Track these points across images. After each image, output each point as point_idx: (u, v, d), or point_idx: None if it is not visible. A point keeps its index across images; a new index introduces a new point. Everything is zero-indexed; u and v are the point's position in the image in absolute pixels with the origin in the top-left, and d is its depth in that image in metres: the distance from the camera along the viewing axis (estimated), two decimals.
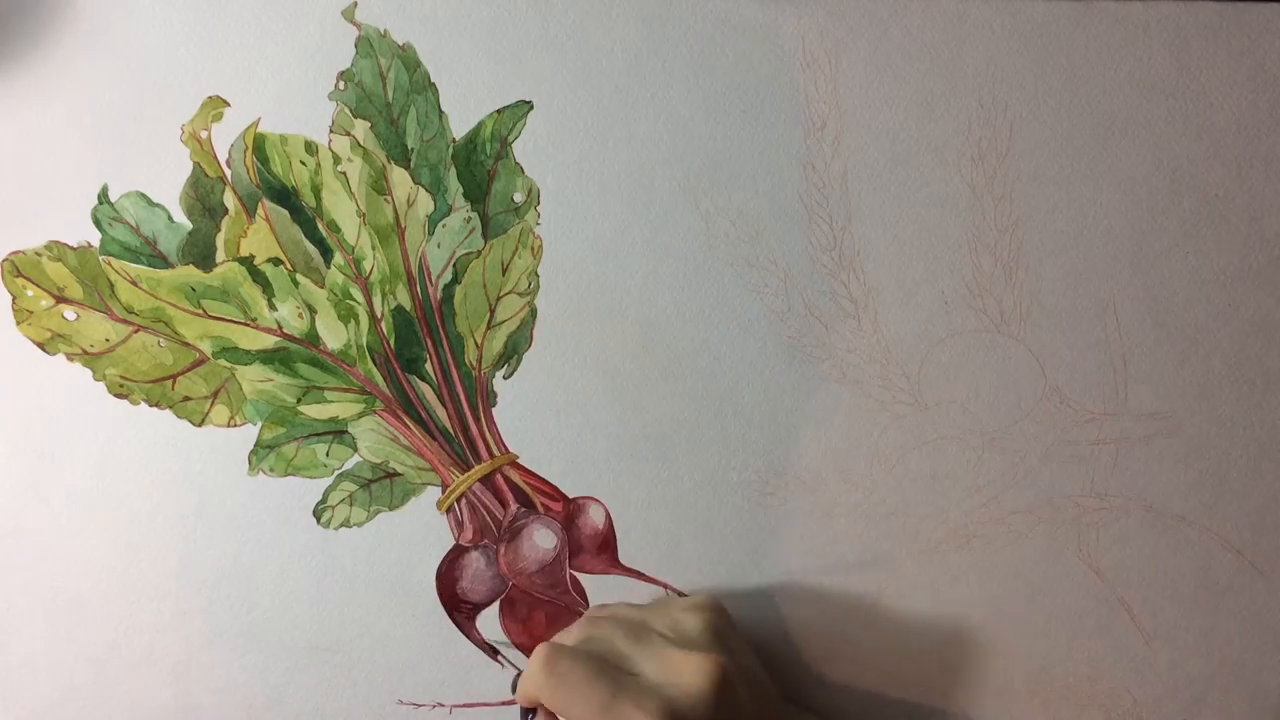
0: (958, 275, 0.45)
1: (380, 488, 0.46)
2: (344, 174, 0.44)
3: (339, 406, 0.46)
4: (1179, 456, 0.46)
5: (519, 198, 0.45)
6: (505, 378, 0.46)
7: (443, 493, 0.46)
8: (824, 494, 0.43)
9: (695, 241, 0.45)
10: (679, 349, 0.46)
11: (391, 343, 0.45)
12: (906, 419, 0.46)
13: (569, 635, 0.41)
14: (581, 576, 0.47)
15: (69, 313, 0.45)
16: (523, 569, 0.46)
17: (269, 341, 0.45)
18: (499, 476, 0.46)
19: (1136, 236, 0.45)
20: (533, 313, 0.45)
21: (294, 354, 0.45)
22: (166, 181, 0.44)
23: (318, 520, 0.46)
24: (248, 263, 0.44)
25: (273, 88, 0.44)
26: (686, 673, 0.37)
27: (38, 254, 0.44)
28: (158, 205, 0.44)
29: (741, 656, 0.40)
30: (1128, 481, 0.46)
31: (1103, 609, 0.47)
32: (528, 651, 0.47)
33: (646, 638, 0.39)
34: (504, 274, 0.45)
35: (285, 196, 0.44)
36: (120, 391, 0.45)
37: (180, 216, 0.44)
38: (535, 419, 0.46)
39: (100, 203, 0.44)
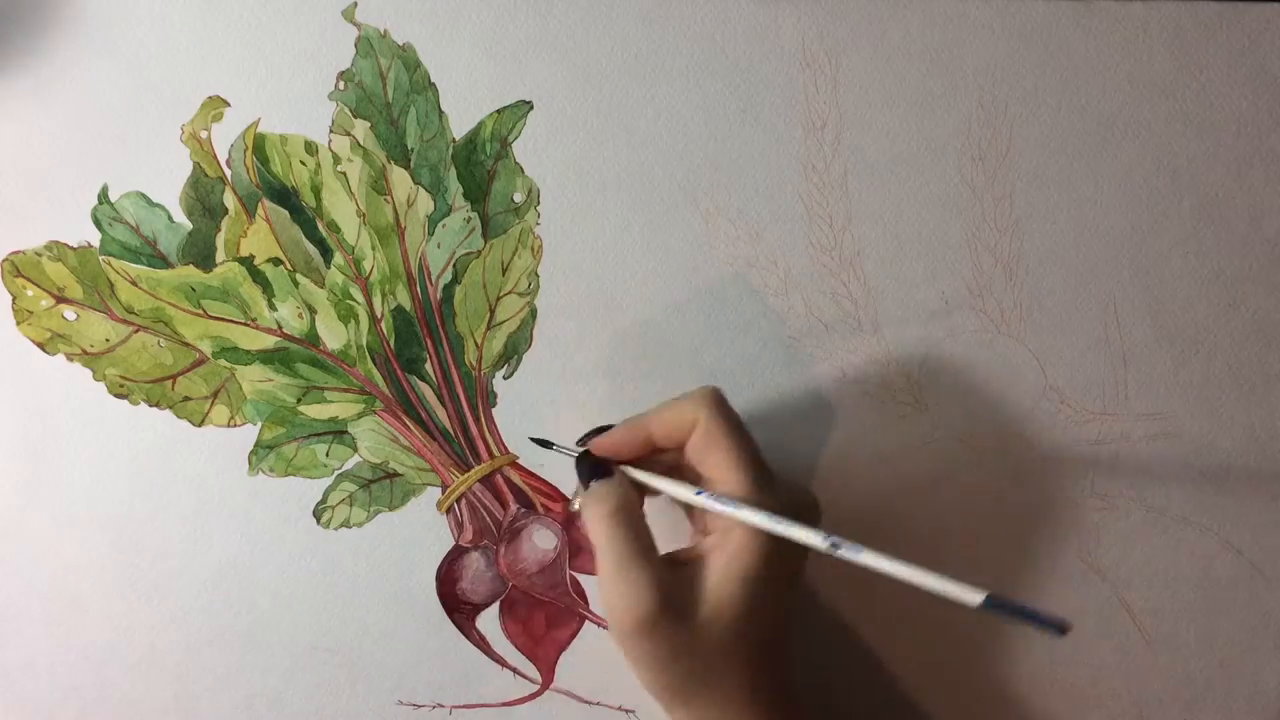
0: (958, 275, 0.45)
1: (380, 488, 0.46)
2: (344, 174, 0.44)
3: (339, 407, 0.45)
4: (1179, 456, 0.46)
5: (519, 198, 0.45)
6: (505, 378, 0.46)
7: (443, 493, 0.46)
8: (824, 494, 0.43)
9: (695, 241, 0.45)
10: (679, 349, 0.46)
11: (391, 343, 0.45)
12: (907, 419, 0.46)
13: None
14: (581, 577, 0.47)
15: (69, 313, 0.45)
16: (523, 570, 0.46)
17: (269, 341, 0.45)
18: (499, 477, 0.46)
19: (1136, 236, 0.45)
20: (533, 313, 0.45)
21: (294, 354, 0.45)
22: (166, 181, 0.44)
23: (318, 520, 0.46)
24: (248, 263, 0.44)
25: (273, 88, 0.44)
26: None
27: (38, 254, 0.44)
28: (158, 205, 0.44)
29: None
30: (1128, 481, 0.46)
31: (1103, 609, 0.47)
32: (528, 653, 0.47)
33: None
34: (504, 274, 0.45)
35: (285, 196, 0.44)
36: (120, 391, 0.45)
37: (180, 216, 0.44)
38: (535, 419, 0.46)
39: (100, 203, 0.44)
